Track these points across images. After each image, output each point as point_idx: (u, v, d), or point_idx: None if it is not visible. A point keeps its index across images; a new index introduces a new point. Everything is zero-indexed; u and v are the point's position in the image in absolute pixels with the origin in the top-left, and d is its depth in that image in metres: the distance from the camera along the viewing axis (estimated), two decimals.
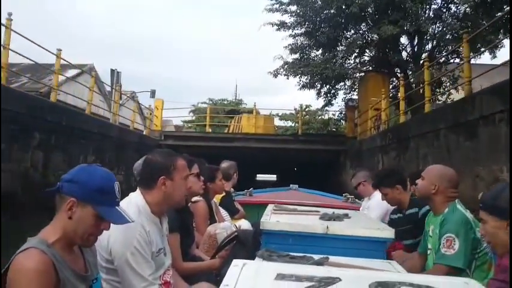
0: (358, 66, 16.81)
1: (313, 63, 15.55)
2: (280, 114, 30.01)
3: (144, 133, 15.41)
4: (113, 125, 12.50)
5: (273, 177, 28.64)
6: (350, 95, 18.55)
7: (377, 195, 4.13)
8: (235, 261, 1.40)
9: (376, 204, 4.05)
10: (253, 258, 1.76)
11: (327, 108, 18.51)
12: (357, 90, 17.60)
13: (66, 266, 1.40)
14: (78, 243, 1.51)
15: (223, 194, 4.05)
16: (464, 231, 2.31)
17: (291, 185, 6.64)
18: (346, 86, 18.27)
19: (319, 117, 24.15)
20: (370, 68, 16.48)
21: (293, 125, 26.13)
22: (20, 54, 7.69)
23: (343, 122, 18.83)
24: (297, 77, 16.43)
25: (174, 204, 2.12)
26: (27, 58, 8.25)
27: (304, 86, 16.80)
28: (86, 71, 16.41)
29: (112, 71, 16.05)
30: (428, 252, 2.57)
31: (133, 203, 1.96)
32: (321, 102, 18.75)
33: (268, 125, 19.45)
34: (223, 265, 2.45)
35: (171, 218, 2.21)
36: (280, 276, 1.26)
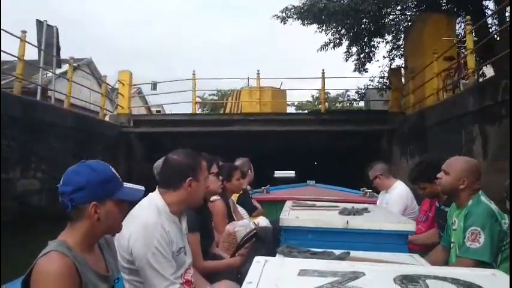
0: (404, 11, 11.49)
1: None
2: (296, 104, 25.46)
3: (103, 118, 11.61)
4: (13, 96, 7.24)
5: (290, 173, 23.79)
6: (392, 54, 13.01)
7: (396, 188, 4.09)
8: (257, 258, 1.39)
9: (396, 198, 4.01)
10: (273, 255, 1.75)
11: (362, 71, 12.61)
12: (402, 46, 12.60)
13: (87, 268, 1.41)
14: (111, 233, 1.59)
15: (241, 192, 4.05)
16: (490, 223, 2.25)
17: (307, 181, 6.62)
18: (388, 40, 12.66)
19: (340, 105, 20.50)
20: (419, 13, 11.39)
21: None
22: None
23: (385, 92, 12.87)
24: (316, 26, 11.58)
25: (194, 204, 2.13)
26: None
27: (326, 44, 11.99)
28: (85, 65, 14.86)
29: (39, 22, 9.68)
30: (452, 245, 2.53)
31: (153, 203, 1.97)
32: (349, 66, 13.65)
33: (278, 101, 13.95)
34: (244, 263, 2.45)
35: (191, 218, 2.21)
36: (303, 272, 1.25)
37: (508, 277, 1.31)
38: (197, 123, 11.58)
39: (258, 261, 1.36)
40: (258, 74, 12.53)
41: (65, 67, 12.77)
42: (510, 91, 4.60)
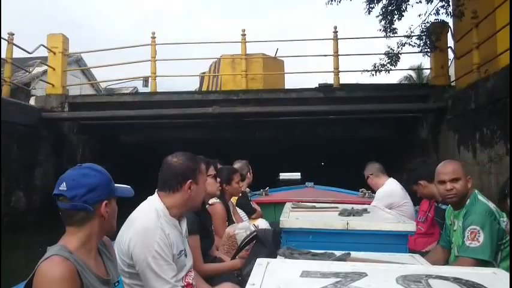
0: None
1: None
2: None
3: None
4: None
5: (296, 175, 20.33)
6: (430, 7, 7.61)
7: (384, 187, 4.12)
8: (259, 260, 1.39)
9: (379, 195, 4.08)
10: (274, 257, 1.75)
11: (389, 31, 7.41)
12: None
13: (89, 271, 1.42)
14: (111, 233, 1.62)
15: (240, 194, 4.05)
16: (489, 222, 2.26)
17: (306, 183, 6.62)
18: None
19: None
20: None
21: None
22: None
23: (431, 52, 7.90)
24: None
25: (193, 208, 2.14)
26: None
27: None
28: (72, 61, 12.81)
29: None
30: (452, 246, 2.54)
31: (152, 207, 1.97)
32: (371, 29, 8.69)
33: (273, 73, 9.82)
34: (245, 265, 2.45)
35: (190, 220, 2.22)
36: (306, 273, 1.26)
37: (509, 275, 1.32)
38: (160, 105, 8.25)
39: (260, 263, 1.36)
40: (244, 35, 8.59)
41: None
42: (510, 91, 4.55)
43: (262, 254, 2.25)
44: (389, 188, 4.05)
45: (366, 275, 1.24)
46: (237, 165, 4.31)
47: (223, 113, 7.90)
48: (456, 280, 1.22)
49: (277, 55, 10.53)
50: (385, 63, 7.58)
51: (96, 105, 8.70)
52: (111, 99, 9.22)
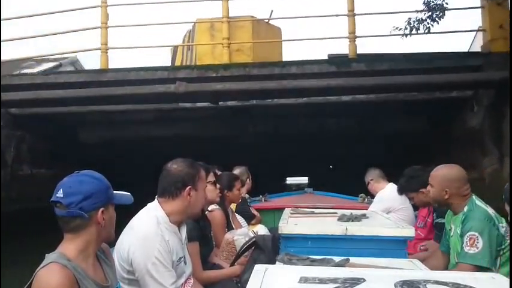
0: None
1: None
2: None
3: None
4: None
5: (303, 179, 18.28)
6: None
7: (382, 192, 4.13)
8: (257, 267, 1.40)
9: (377, 199, 4.08)
10: (273, 263, 1.75)
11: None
12: None
13: (87, 278, 1.42)
14: (109, 240, 1.62)
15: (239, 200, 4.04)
16: (488, 228, 2.26)
17: (305, 189, 6.61)
18: None
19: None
20: None
21: None
22: None
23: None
24: None
25: (193, 214, 2.15)
26: None
27: None
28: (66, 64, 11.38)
29: None
30: (451, 252, 2.53)
31: (151, 213, 1.97)
32: None
33: (266, 41, 7.01)
34: (244, 272, 2.45)
35: (190, 227, 2.22)
36: (304, 279, 1.26)
37: (507, 280, 1.32)
38: (110, 84, 5.96)
39: (259, 269, 1.36)
40: None
41: (47, 65, 10.75)
42: (510, 90, 4.51)
43: (261, 260, 2.24)
44: (389, 192, 4.05)
45: (364, 281, 1.24)
46: (236, 171, 4.31)
47: (193, 91, 5.47)
48: (454, 285, 1.22)
49: (271, 19, 7.50)
50: (424, 19, 5.22)
51: (29, 87, 6.16)
52: (47, 80, 6.49)
